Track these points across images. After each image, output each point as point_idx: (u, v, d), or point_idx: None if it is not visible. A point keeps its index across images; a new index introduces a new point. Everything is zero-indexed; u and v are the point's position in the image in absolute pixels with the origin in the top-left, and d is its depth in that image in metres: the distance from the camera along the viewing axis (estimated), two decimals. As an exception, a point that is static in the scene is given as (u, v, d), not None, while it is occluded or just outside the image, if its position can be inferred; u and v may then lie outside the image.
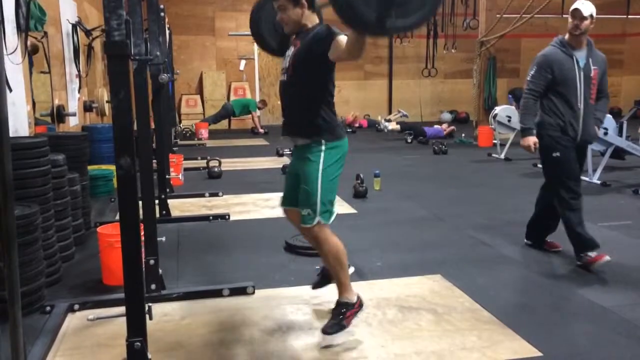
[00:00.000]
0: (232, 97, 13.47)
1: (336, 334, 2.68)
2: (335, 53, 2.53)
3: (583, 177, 6.59)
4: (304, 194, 2.70)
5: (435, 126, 11.36)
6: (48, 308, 3.06)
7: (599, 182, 6.42)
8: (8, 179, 1.55)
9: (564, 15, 11.65)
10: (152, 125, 4.82)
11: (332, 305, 2.88)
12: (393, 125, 11.53)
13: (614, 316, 2.99)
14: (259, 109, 12.55)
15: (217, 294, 3.26)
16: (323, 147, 2.69)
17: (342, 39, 2.48)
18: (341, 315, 2.72)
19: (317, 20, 2.76)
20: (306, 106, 2.71)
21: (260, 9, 3.09)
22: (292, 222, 3.02)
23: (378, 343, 2.70)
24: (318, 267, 3.72)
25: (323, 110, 2.70)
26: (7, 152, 1.46)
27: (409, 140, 10.56)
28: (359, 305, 2.78)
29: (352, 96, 14.12)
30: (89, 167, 5.22)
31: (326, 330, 2.69)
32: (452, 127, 11.47)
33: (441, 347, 2.66)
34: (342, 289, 2.77)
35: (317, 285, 3.16)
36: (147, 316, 2.22)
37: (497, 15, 10.28)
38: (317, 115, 2.69)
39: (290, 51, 2.76)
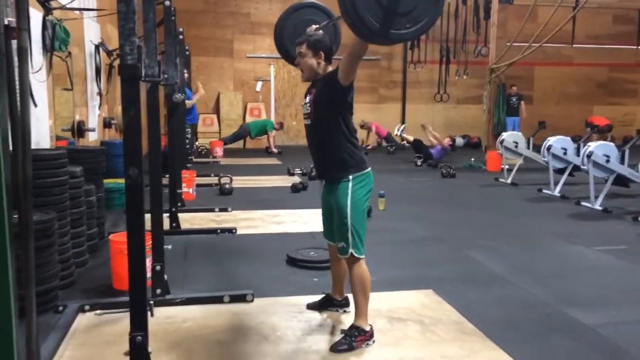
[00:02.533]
0: (248, 117, 13.81)
1: (344, 353, 2.83)
2: (342, 67, 2.77)
3: (584, 203, 6.77)
4: (338, 228, 2.93)
5: (437, 146, 11.35)
6: (61, 308, 3.29)
7: (600, 208, 6.54)
8: (28, 182, 1.79)
9: (574, 45, 11.95)
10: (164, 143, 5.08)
11: (325, 317, 3.08)
12: (407, 136, 11.60)
13: (593, 334, 3.13)
14: (276, 129, 12.87)
15: (218, 300, 3.47)
16: (351, 183, 2.91)
17: (342, 59, 2.75)
18: (353, 338, 2.87)
19: (328, 70, 3.02)
20: (332, 145, 2.92)
21: (284, 23, 3.43)
22: (329, 248, 3.29)
23: (364, 349, 2.87)
24: (316, 279, 3.93)
25: (348, 147, 2.93)
26: (29, 158, 1.69)
27: (419, 164, 10.74)
28: (370, 335, 2.94)
29: (366, 119, 14.36)
30: (105, 181, 5.49)
31: (336, 348, 2.85)
32: (448, 139, 11.48)
33: (423, 355, 2.83)
34: (360, 315, 2.94)
35: (313, 307, 3.38)
36: (149, 313, 2.43)
37: (507, 44, 10.50)
38: (344, 152, 2.91)
39: (308, 98, 3.01)
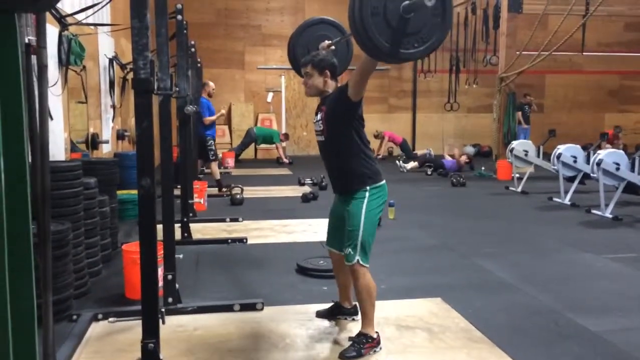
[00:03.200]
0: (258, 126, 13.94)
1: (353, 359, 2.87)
2: (351, 83, 2.83)
3: (595, 211, 6.76)
4: (348, 235, 2.97)
5: (448, 158, 11.39)
6: (75, 317, 3.35)
7: (610, 216, 6.53)
8: (47, 193, 1.86)
9: (584, 53, 11.94)
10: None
11: (334, 324, 3.17)
12: (411, 164, 11.63)
13: (601, 340, 3.14)
14: (281, 141, 12.97)
15: (229, 308, 3.52)
16: (367, 194, 2.97)
17: (351, 76, 2.82)
18: (361, 345, 2.91)
19: (335, 86, 3.09)
20: (347, 159, 2.98)
21: (296, 38, 3.53)
22: (331, 257, 3.34)
23: (372, 356, 2.91)
24: (326, 287, 3.97)
25: (362, 159, 2.99)
26: (47, 170, 1.77)
27: (429, 173, 10.77)
28: (377, 342, 2.98)
29: (377, 129, 14.43)
30: (119, 192, 5.58)
31: (344, 355, 2.88)
32: (465, 156, 11.50)
33: (431, 362, 2.86)
34: (367, 323, 2.98)
35: (322, 315, 3.42)
36: (160, 321, 2.49)
37: (517, 52, 10.53)
38: (359, 165, 2.98)
39: (320, 115, 3.07)
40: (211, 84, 8.15)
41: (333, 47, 3.40)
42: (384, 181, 3.06)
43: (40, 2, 1.18)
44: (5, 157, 0.98)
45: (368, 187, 2.97)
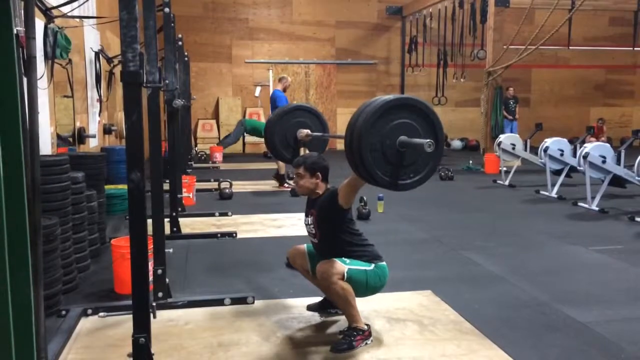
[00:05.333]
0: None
1: (345, 352, 2.88)
2: (342, 194, 2.95)
3: (581, 204, 6.82)
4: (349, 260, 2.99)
5: None
6: (63, 312, 3.33)
7: (597, 208, 6.60)
8: (37, 187, 1.84)
9: (570, 47, 12.03)
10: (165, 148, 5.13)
11: (325, 318, 3.23)
12: None
13: (589, 331, 3.18)
14: None
15: (220, 303, 3.51)
16: (373, 265, 3.03)
17: (342, 186, 2.94)
18: (352, 337, 2.92)
19: (325, 187, 3.17)
20: (343, 255, 3.01)
21: (273, 127, 3.67)
22: (292, 259, 3.36)
23: (363, 349, 2.92)
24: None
25: (359, 250, 3.06)
26: (37, 163, 1.75)
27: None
28: (368, 334, 2.99)
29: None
30: (106, 187, 5.54)
31: (336, 348, 2.89)
32: None
33: (422, 354, 2.88)
34: (354, 319, 2.98)
35: (313, 308, 3.43)
36: (152, 315, 2.48)
37: (504, 47, 10.57)
38: (357, 257, 3.02)
39: (311, 219, 3.16)
40: (289, 79, 8.54)
41: (310, 137, 3.55)
42: (384, 263, 3.10)
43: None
44: (3, 148, 0.97)
45: (373, 263, 3.04)
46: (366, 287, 2.99)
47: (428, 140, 2.38)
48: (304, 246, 3.33)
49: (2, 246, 0.96)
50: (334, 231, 3.07)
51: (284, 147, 3.66)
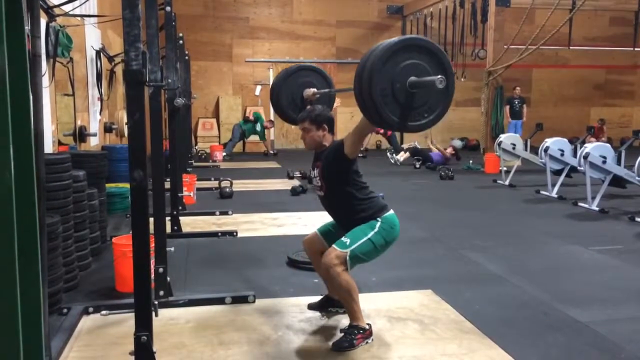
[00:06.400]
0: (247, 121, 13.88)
1: (345, 350, 2.88)
2: (348, 143, 2.91)
3: (582, 204, 6.83)
4: (352, 232, 2.98)
5: (435, 151, 11.41)
6: (65, 310, 3.33)
7: (597, 208, 6.60)
8: (42, 184, 1.85)
9: (571, 47, 12.03)
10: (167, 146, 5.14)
11: (326, 316, 3.24)
12: (403, 155, 11.60)
13: (588, 330, 3.19)
14: (266, 127, 12.93)
15: (220, 301, 3.52)
16: (379, 223, 3.00)
17: (349, 134, 2.90)
18: (353, 335, 2.93)
19: (332, 139, 3.15)
20: (350, 208, 3.03)
21: (279, 88, 3.61)
22: (308, 247, 3.32)
23: (364, 348, 2.92)
24: (317, 280, 3.98)
25: (365, 203, 3.04)
26: (42, 161, 1.75)
27: (417, 166, 10.81)
28: (369, 333, 2.99)
29: (364, 122, 14.47)
30: (107, 185, 5.55)
31: (337, 346, 2.90)
32: (451, 148, 11.59)
33: (422, 353, 2.89)
34: (355, 317, 2.98)
35: (314, 307, 3.44)
36: (153, 313, 2.49)
37: (505, 46, 10.57)
38: (363, 210, 3.02)
39: (317, 171, 3.12)
40: None
41: (318, 95, 3.49)
42: (392, 211, 3.09)
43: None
44: (15, 150, 0.97)
45: (379, 218, 3.01)
46: (377, 249, 3.00)
47: (439, 76, 2.34)
48: (315, 230, 3.31)
49: (12, 246, 0.97)
50: (340, 183, 3.03)
51: (291, 108, 3.57)
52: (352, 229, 3.00)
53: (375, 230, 2.98)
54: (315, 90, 3.56)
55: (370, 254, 2.99)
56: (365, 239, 2.95)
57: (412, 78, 2.46)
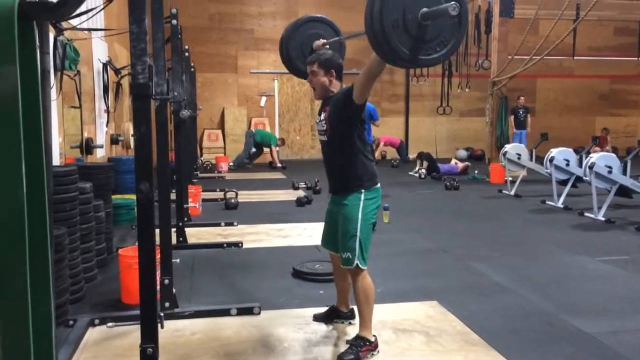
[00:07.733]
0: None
1: None
2: (357, 85, 2.83)
3: (588, 214, 6.81)
4: (344, 239, 2.99)
5: (451, 162, 11.56)
6: (71, 322, 3.34)
7: (603, 219, 6.58)
8: (50, 196, 1.86)
9: (575, 57, 12.04)
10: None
11: (331, 328, 3.23)
12: (418, 165, 11.53)
13: (595, 342, 3.17)
14: (278, 145, 12.98)
15: (226, 313, 3.52)
16: (363, 196, 2.99)
17: (358, 77, 2.82)
18: (359, 348, 2.92)
19: (340, 86, 3.11)
20: (348, 159, 3.01)
21: (288, 39, 3.51)
22: (332, 261, 3.35)
23: None
24: (322, 291, 3.99)
25: (363, 160, 3.02)
26: (50, 173, 1.77)
27: (422, 177, 10.81)
28: (375, 345, 2.99)
29: (372, 134, 14.47)
30: (113, 197, 5.57)
31: (342, 358, 2.89)
32: (467, 164, 11.70)
33: (428, 365, 2.88)
34: (364, 325, 2.99)
35: (320, 318, 3.43)
36: (159, 325, 2.49)
37: (509, 57, 10.59)
38: (359, 166, 3.00)
39: (323, 115, 3.09)
40: None
41: (327, 46, 3.43)
42: (379, 185, 3.09)
43: (58, 11, 1.19)
44: (26, 162, 0.99)
45: (363, 190, 2.99)
46: (370, 219, 3.03)
47: (452, 2, 2.29)
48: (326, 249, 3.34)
49: (24, 261, 0.98)
50: (345, 129, 2.98)
51: (301, 61, 3.52)
52: (342, 233, 2.99)
53: (361, 205, 2.97)
54: (324, 40, 3.46)
55: (368, 230, 3.02)
56: (358, 226, 2.95)
57: (424, 9, 2.39)
